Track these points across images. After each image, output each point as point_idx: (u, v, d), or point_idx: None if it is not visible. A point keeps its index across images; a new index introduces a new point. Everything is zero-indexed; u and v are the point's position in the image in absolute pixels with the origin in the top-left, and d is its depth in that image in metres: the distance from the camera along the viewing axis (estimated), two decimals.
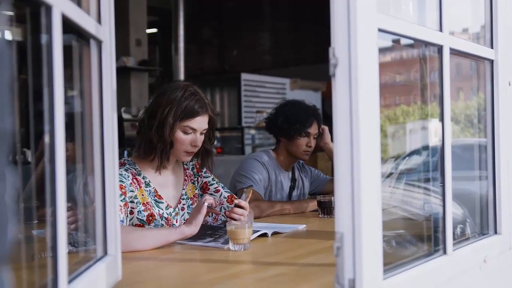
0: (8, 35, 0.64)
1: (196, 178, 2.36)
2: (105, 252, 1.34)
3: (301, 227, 2.32)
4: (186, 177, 2.33)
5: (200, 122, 2.15)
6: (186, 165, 2.35)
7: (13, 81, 0.61)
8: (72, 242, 1.35)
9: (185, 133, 2.14)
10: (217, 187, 2.36)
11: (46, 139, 0.96)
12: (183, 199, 2.28)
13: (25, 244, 1.29)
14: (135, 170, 2.16)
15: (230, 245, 1.84)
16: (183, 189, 2.29)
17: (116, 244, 1.35)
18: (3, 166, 0.58)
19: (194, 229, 1.94)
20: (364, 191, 1.15)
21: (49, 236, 0.97)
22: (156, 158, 2.16)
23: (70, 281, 1.05)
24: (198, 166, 2.37)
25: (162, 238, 1.91)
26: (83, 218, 1.42)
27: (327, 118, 3.29)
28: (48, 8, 0.94)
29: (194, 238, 1.97)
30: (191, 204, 2.29)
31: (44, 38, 0.95)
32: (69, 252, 1.04)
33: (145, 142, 2.14)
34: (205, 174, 2.38)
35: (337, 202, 1.16)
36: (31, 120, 1.09)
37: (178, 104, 2.10)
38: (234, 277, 1.57)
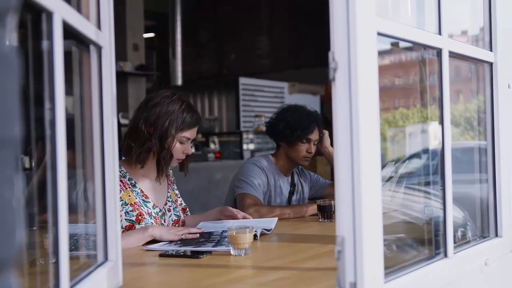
0: (16, 41, 0.63)
1: (174, 186, 2.48)
2: (106, 258, 1.33)
3: (274, 220, 2.37)
4: (169, 182, 2.44)
5: (195, 132, 2.30)
6: (168, 171, 2.45)
7: (21, 87, 0.61)
8: (72, 248, 1.35)
9: (181, 143, 2.26)
10: (181, 201, 2.49)
11: (47, 144, 0.95)
12: (169, 201, 2.39)
13: (26, 250, 1.28)
14: (121, 172, 2.23)
15: (231, 250, 1.84)
16: (168, 192, 2.41)
17: (116, 250, 1.35)
18: (12, 171, 0.58)
19: (159, 231, 2.04)
20: (365, 195, 1.15)
21: (50, 242, 0.97)
22: (145, 166, 2.25)
23: (71, 287, 1.05)
24: (173, 179, 2.49)
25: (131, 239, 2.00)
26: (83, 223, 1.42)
27: (326, 122, 3.30)
28: (49, 14, 0.94)
29: (196, 244, 1.97)
30: (175, 207, 2.40)
31: (45, 44, 0.95)
32: (70, 258, 1.04)
33: (144, 151, 2.21)
34: (176, 187, 2.51)
35: (338, 206, 1.16)
36: (31, 126, 1.09)
37: (177, 116, 2.21)
38: (235, 281, 1.56)
